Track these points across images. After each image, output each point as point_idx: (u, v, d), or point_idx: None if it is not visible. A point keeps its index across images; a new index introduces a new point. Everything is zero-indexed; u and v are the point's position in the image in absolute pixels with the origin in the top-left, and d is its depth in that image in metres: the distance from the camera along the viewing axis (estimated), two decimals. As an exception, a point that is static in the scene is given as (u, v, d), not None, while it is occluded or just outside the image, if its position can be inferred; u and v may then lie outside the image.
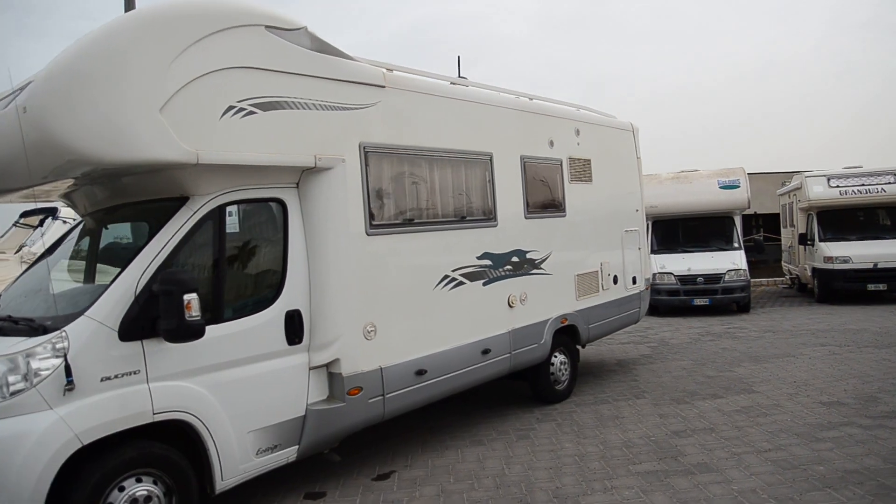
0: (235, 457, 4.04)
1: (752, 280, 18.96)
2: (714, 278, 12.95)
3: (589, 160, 7.49)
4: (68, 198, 4.87)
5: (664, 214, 13.98)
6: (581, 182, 7.32)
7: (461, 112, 5.74)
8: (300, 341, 4.44)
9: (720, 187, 13.52)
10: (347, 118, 4.69)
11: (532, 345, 6.37)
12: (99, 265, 4.52)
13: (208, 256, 4.11)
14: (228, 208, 4.20)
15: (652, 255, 13.68)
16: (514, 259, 6.23)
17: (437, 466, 5.14)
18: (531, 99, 6.89)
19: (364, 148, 4.79)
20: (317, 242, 4.54)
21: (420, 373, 5.11)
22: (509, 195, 6.21)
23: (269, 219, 4.47)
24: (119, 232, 4.69)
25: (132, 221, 4.59)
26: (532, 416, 6.42)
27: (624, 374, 8.05)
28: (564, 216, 7.00)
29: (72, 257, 4.84)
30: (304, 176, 4.52)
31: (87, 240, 4.80)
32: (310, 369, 4.49)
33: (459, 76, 21.68)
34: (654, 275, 13.35)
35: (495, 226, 6.01)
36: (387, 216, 4.99)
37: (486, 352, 5.75)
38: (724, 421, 5.81)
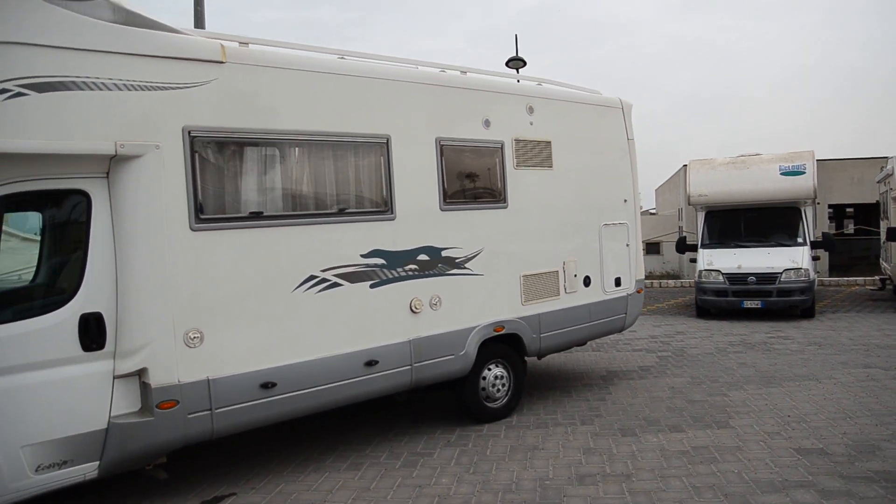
0: (2, 474, 3.70)
1: (845, 280, 16.49)
2: (768, 278, 11.18)
3: (548, 142, 6.46)
4: None
5: (717, 204, 12.27)
6: (534, 168, 6.32)
7: (343, 89, 5.01)
8: (101, 347, 3.99)
9: (781, 173, 11.58)
10: (165, 99, 4.14)
11: (447, 356, 5.56)
12: None
13: (-18, 253, 3.77)
14: (13, 200, 3.83)
15: (701, 250, 12.16)
16: (422, 257, 5.43)
17: (284, 493, 4.55)
18: (464, 73, 6.00)
19: (190, 133, 4.23)
20: (125, 238, 4.06)
21: (267, 386, 4.52)
22: (416, 184, 5.41)
23: (68, 213, 4.05)
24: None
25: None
26: (445, 437, 5.63)
27: (596, 391, 6.98)
28: (505, 207, 6.06)
29: None
30: (112, 165, 4.06)
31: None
32: (115, 378, 4.06)
33: (517, 56, 20.64)
34: (700, 272, 11.84)
35: (392, 219, 5.25)
36: (223, 209, 4.41)
37: (371, 363, 5.05)
38: (654, 466, 4.72)
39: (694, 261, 12.40)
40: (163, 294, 4.12)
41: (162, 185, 4.12)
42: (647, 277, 19.22)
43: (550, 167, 6.48)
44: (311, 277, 4.79)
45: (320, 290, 4.83)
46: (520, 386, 6.28)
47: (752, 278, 11.26)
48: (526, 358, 6.35)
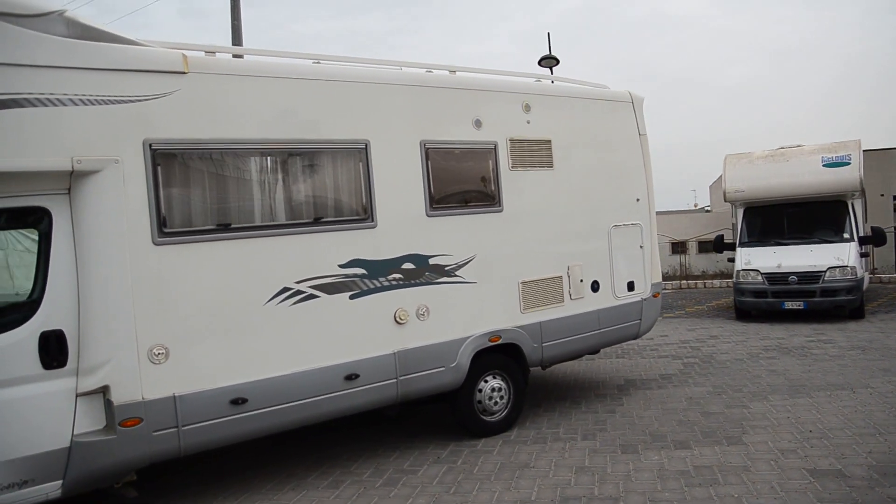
0: (-43, 494, 3.70)
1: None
2: (811, 277, 10.44)
3: (548, 141, 6.14)
4: None
5: (755, 200, 11.57)
6: (532, 168, 6.02)
7: (317, 95, 4.85)
8: (62, 365, 3.95)
9: (824, 165, 10.80)
10: (123, 113, 4.07)
11: (436, 368, 5.33)
12: None
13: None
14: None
15: (739, 249, 11.51)
16: (408, 266, 5.22)
17: (256, 512, 4.43)
18: (453, 72, 5.76)
19: (151, 146, 4.15)
20: (86, 255, 4.01)
21: (238, 402, 4.40)
22: (399, 190, 5.21)
23: (29, 230, 4.03)
24: None
25: None
26: (436, 452, 5.40)
27: (608, 402, 6.60)
28: (500, 211, 5.78)
29: None
30: (73, 181, 4.02)
31: None
32: (78, 396, 4.01)
33: (550, 55, 20.19)
34: (738, 272, 11.19)
35: (373, 227, 5.05)
36: (189, 222, 4.32)
37: (351, 377, 4.87)
38: (647, 488, 4.35)
39: (732, 260, 11.74)
40: (125, 310, 4.05)
41: (123, 199, 4.06)
42: (697, 277, 18.43)
43: (551, 167, 6.16)
44: (285, 290, 4.65)
45: (295, 303, 4.68)
46: (520, 398, 5.99)
47: (794, 278, 10.54)
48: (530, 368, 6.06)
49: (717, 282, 17.63)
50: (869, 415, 5.56)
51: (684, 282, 17.97)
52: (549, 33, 16.75)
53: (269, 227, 4.62)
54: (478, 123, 5.66)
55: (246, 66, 4.62)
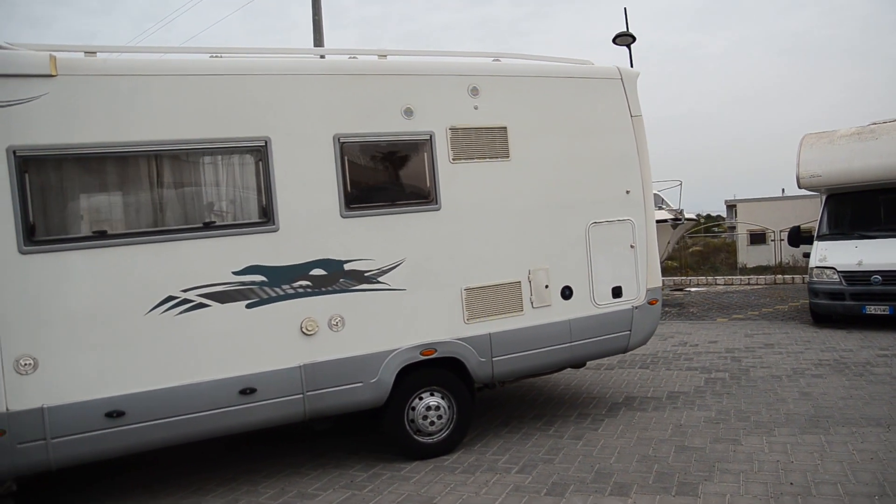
0: None
1: None
2: (899, 277, 8.67)
3: (503, 128, 5.41)
4: None
5: (834, 185, 9.82)
6: (480, 160, 5.33)
7: (208, 91, 4.51)
8: (-71, 375, 4.00)
9: (922, 141, 8.88)
10: (-16, 119, 4.00)
11: (353, 384, 4.88)
12: None
13: None
14: None
15: (816, 242, 9.91)
16: (317, 272, 4.79)
17: (131, 530, 4.26)
18: (383, 57, 5.20)
19: (16, 153, 4.04)
20: (-50, 265, 4.01)
21: (114, 415, 4.24)
22: (307, 189, 4.77)
23: None
24: None
25: None
26: (355, 475, 4.96)
27: (583, 425, 5.80)
28: (437, 210, 5.17)
29: None
30: (-60, 190, 4.01)
31: None
32: (-57, 406, 4.03)
33: (626, 31, 18.73)
34: (812, 270, 9.63)
35: (274, 231, 4.68)
36: (61, 230, 4.18)
37: (247, 392, 4.56)
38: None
39: (808, 255, 10.10)
40: (-14, 320, 4.01)
41: (-17, 208, 4.00)
42: (783, 272, 16.21)
43: (507, 158, 5.43)
44: (170, 298, 4.41)
45: (181, 312, 4.43)
46: (466, 418, 5.37)
47: (877, 277, 8.82)
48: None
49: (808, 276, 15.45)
50: (886, 466, 4.37)
51: (779, 276, 15.94)
52: (625, 8, 15.44)
53: (151, 234, 4.39)
54: (408, 112, 5.07)
55: (129, 65, 4.39)
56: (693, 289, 16.29)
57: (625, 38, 17.79)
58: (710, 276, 17.63)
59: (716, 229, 31.02)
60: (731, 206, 32.79)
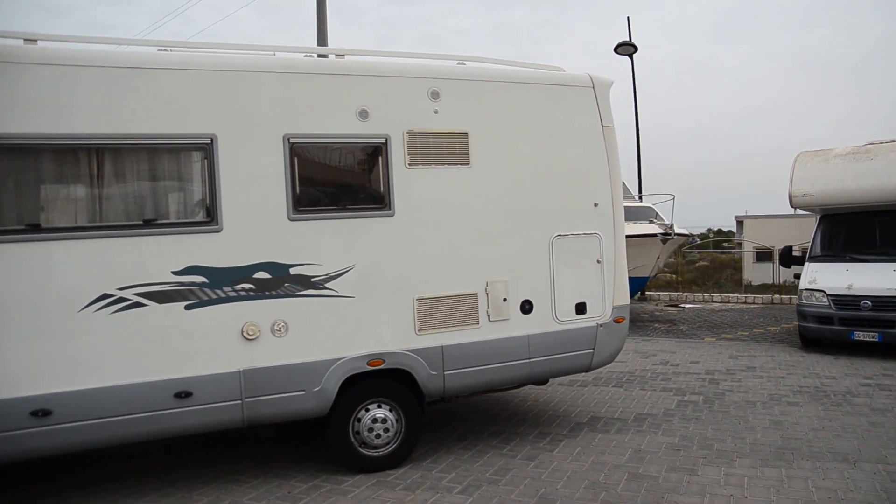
0: None
1: None
2: (889, 303, 8.39)
3: (463, 134, 5.26)
4: None
5: (828, 206, 9.55)
6: (439, 166, 5.18)
7: (152, 85, 4.40)
8: None
9: (918, 163, 8.60)
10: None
11: (294, 391, 4.74)
12: None
13: None
14: None
15: (807, 264, 9.65)
16: (261, 275, 4.66)
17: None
18: (341, 56, 5.08)
19: (-55, 140, 3.97)
20: None
21: (40, 414, 4.13)
22: (253, 190, 4.65)
23: None
24: None
25: None
26: (294, 486, 4.81)
27: (540, 445, 5.61)
28: (390, 216, 5.02)
29: None
30: None
31: None
32: None
33: (628, 41, 18.53)
34: (801, 292, 9.36)
35: (217, 231, 4.55)
36: (-9, 222, 4.09)
37: (182, 395, 4.43)
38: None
39: (798, 276, 9.82)
40: (-89, 312, 3.91)
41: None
42: (779, 291, 15.80)
43: (467, 165, 5.28)
44: (105, 296, 4.30)
45: (116, 311, 4.32)
46: (414, 432, 5.20)
47: (867, 302, 8.54)
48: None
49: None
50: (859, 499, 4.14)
51: (776, 296, 15.60)
52: (628, 17, 15.22)
53: (87, 230, 4.28)
54: (363, 114, 4.94)
55: (65, 55, 4.28)
56: (688, 305, 15.98)
57: (626, 48, 17.60)
58: (708, 292, 17.30)
59: (725, 245, 30.53)
60: (740, 222, 32.38)
